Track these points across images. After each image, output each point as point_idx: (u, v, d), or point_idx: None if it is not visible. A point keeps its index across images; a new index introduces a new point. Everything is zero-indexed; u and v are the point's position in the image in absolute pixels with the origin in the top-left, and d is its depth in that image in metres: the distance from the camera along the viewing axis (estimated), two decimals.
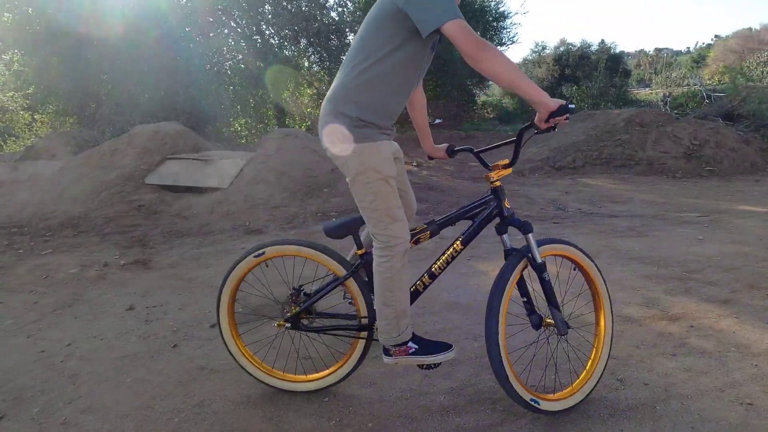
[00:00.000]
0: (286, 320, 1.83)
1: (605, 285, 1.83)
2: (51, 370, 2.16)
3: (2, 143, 13.38)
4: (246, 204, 4.84)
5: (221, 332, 1.89)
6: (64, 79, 10.44)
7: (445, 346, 1.67)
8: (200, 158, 5.69)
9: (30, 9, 10.49)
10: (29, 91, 12.84)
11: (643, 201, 5.45)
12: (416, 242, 1.76)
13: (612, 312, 1.85)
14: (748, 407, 1.70)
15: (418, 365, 1.67)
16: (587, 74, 14.11)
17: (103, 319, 2.69)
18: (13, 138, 14.16)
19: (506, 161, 1.74)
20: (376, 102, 1.49)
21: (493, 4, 13.97)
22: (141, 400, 1.90)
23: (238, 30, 12.19)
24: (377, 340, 1.74)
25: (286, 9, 11.76)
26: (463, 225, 1.79)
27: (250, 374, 1.89)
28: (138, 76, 9.99)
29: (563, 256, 1.77)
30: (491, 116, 18.41)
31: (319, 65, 13.14)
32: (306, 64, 13.06)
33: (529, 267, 1.69)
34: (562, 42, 22.51)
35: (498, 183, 1.73)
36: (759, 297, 2.58)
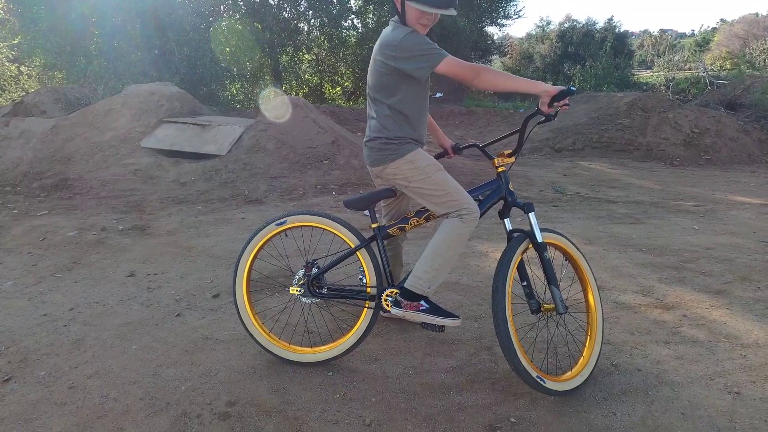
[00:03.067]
0: (299, 286, 1.86)
1: (593, 276, 1.92)
2: (55, 334, 2.17)
3: None
4: (245, 173, 4.79)
5: (236, 299, 1.91)
6: (53, 31, 9.99)
7: (452, 315, 1.74)
8: (198, 123, 5.57)
9: None
10: (15, 42, 12.30)
11: (640, 187, 5.49)
12: (426, 219, 1.81)
13: (600, 298, 1.92)
14: (735, 396, 1.78)
15: (422, 324, 1.74)
16: (592, 53, 13.87)
17: (104, 284, 2.69)
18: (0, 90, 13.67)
19: (510, 151, 1.79)
20: (407, 130, 1.75)
21: None
22: (147, 367, 1.93)
23: None
24: (384, 310, 1.79)
25: None
26: None
27: (259, 343, 1.93)
28: (130, 32, 9.60)
29: (555, 246, 1.81)
30: (492, 92, 18.16)
31: (320, 30, 12.73)
32: (306, 28, 12.64)
33: (530, 249, 1.75)
34: (567, 18, 22.03)
35: (503, 168, 1.77)
36: (750, 289, 2.66)
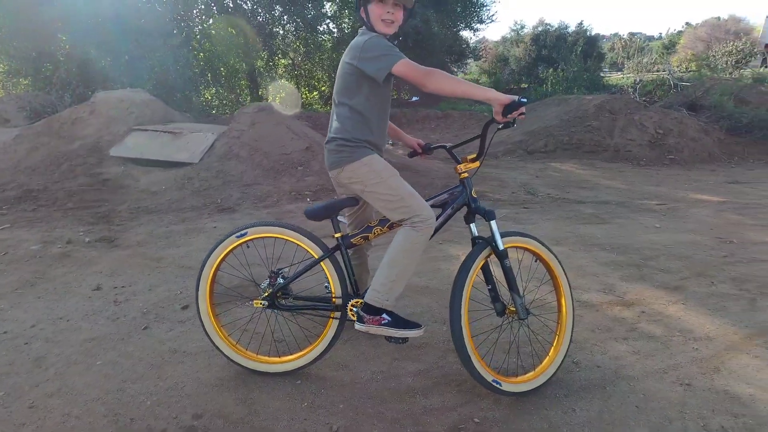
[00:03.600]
0: (264, 299, 1.86)
1: (566, 276, 1.94)
2: (15, 353, 2.12)
3: None
4: (218, 180, 4.74)
5: (199, 312, 1.90)
6: (17, 36, 9.67)
7: (415, 325, 1.76)
8: (169, 130, 5.49)
9: None
10: None
11: (608, 187, 5.67)
12: (390, 227, 1.83)
13: (573, 301, 1.96)
14: (686, 387, 1.87)
15: (386, 337, 1.76)
16: (563, 57, 14.24)
17: (68, 299, 2.63)
18: None
19: (473, 155, 1.82)
20: (366, 133, 1.77)
21: None
22: (112, 383, 1.90)
23: None
24: (350, 320, 1.81)
25: None
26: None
27: (225, 355, 1.93)
28: (99, 37, 9.36)
29: (525, 249, 1.86)
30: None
31: (295, 34, 12.69)
32: (281, 32, 12.58)
33: (494, 255, 1.78)
34: (541, 22, 22.52)
35: (466, 174, 1.81)
36: (705, 284, 2.79)
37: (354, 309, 1.81)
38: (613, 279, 2.87)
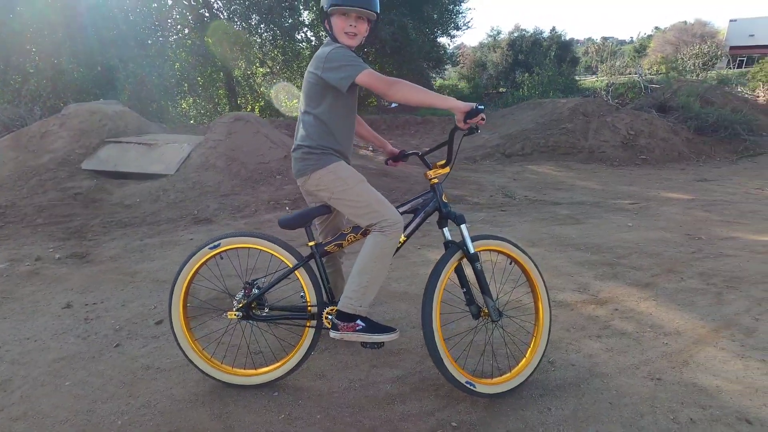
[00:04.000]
0: (238, 310, 1.84)
1: (541, 277, 1.95)
2: None
3: None
4: (194, 192, 4.68)
5: (172, 326, 1.87)
6: None
7: (389, 329, 1.77)
8: (143, 142, 5.39)
9: None
10: None
11: (583, 188, 5.80)
12: (363, 234, 1.83)
13: (549, 302, 1.96)
14: (657, 382, 1.92)
15: (362, 343, 1.75)
16: (538, 61, 14.56)
17: (36, 318, 2.55)
18: None
19: (443, 161, 1.85)
20: (331, 141, 1.80)
21: None
22: (81, 404, 1.84)
23: (184, 2, 11.45)
24: (326, 328, 1.80)
25: None
26: (406, 219, 1.86)
27: (200, 369, 1.90)
28: (70, 48, 9.17)
29: (498, 252, 1.88)
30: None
31: (272, 43, 12.67)
32: (258, 41, 12.53)
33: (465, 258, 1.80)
34: (516, 27, 23.03)
35: (436, 180, 1.82)
36: (674, 280, 2.87)
37: (330, 316, 1.80)
38: (587, 278, 2.93)
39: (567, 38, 21.38)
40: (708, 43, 22.92)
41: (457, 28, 14.67)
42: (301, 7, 12.49)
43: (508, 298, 2.40)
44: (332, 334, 1.77)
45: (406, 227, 1.84)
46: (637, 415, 1.74)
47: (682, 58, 20.60)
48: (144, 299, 2.74)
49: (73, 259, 3.37)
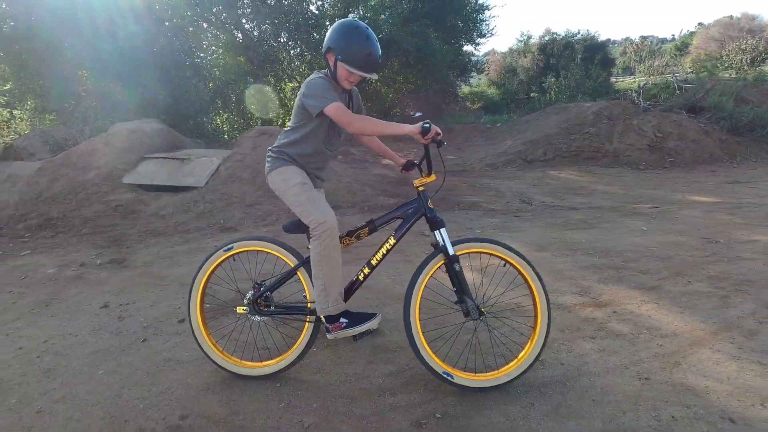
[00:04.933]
0: (246, 306, 2.06)
1: (539, 279, 1.94)
2: (28, 365, 2.34)
3: None
4: (221, 202, 5.00)
5: (190, 321, 2.10)
6: (42, 76, 10.37)
7: (371, 316, 1.93)
8: (177, 157, 5.81)
9: (4, 5, 10.35)
10: (6, 88, 12.71)
11: (604, 193, 5.72)
12: (357, 238, 2.00)
13: (548, 304, 1.93)
14: (644, 381, 1.96)
15: (352, 337, 1.92)
16: (564, 66, 14.34)
17: (78, 316, 2.87)
18: None
19: (426, 171, 1.97)
20: (288, 151, 2.03)
21: None
22: (111, 390, 2.09)
23: (218, 23, 12.15)
24: (324, 323, 1.97)
25: (265, 3, 11.76)
26: (397, 223, 2.01)
27: (213, 361, 2.11)
28: (116, 72, 9.96)
29: (482, 253, 1.97)
30: (476, 106, 18.64)
31: (300, 59, 13.17)
32: (287, 57, 13.07)
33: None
34: (547, 31, 22.66)
35: (422, 188, 1.96)
36: (681, 284, 2.84)
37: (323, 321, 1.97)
38: (590, 282, 2.95)
39: (601, 39, 20.85)
40: (756, 37, 21.67)
41: (482, 35, 14.70)
42: (327, 23, 12.96)
43: (504, 299, 2.48)
44: (328, 336, 1.95)
45: (395, 230, 1.99)
46: (619, 412, 1.79)
47: (727, 55, 19.58)
48: (170, 300, 3.01)
49: (112, 265, 3.72)
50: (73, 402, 2.02)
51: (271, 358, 2.14)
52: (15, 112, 14.07)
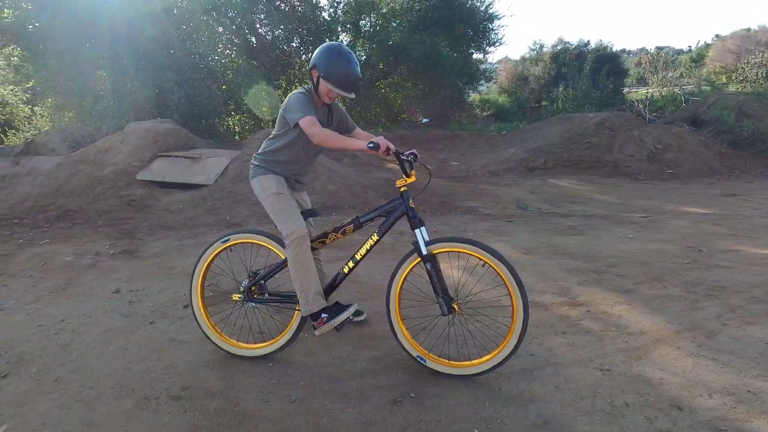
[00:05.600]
0: (241, 293, 2.27)
1: (515, 279, 1.99)
2: (47, 341, 2.58)
3: (3, 136, 13.72)
4: (229, 200, 5.25)
5: (192, 305, 2.31)
6: (63, 74, 10.80)
7: (347, 306, 2.14)
8: (189, 156, 6.09)
9: (30, 5, 10.81)
10: (29, 85, 13.21)
11: (600, 202, 5.85)
12: (343, 234, 2.20)
13: (524, 302, 1.97)
14: (605, 372, 2.12)
15: (335, 328, 2.12)
16: (571, 75, 14.46)
17: (92, 300, 3.11)
18: (13, 131, 14.52)
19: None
20: (270, 158, 2.25)
21: (482, 7, 14.26)
22: (121, 363, 2.32)
23: (233, 28, 12.52)
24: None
25: (279, 9, 12.10)
26: (380, 220, 2.20)
27: (212, 341, 2.32)
28: (134, 73, 10.34)
29: (458, 252, 2.12)
30: (486, 114, 18.81)
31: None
32: (299, 62, 13.40)
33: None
34: (560, 41, 22.76)
35: (404, 188, 2.13)
36: (656, 288, 3.00)
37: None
38: (570, 283, 3.12)
39: (615, 49, 20.86)
40: None
41: (491, 44, 14.90)
42: (339, 29, 13.28)
43: (489, 296, 2.66)
44: (316, 333, 2.15)
45: (379, 227, 2.18)
46: (578, 398, 1.96)
47: (742, 68, 19.50)
48: (177, 288, 3.24)
49: (124, 255, 3.97)
50: (86, 373, 2.25)
51: (265, 341, 2.34)
52: (36, 108, 14.62)
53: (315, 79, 2.15)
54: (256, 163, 2.28)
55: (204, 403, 1.99)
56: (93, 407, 1.99)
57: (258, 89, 12.36)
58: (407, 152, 2.15)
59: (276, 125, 2.25)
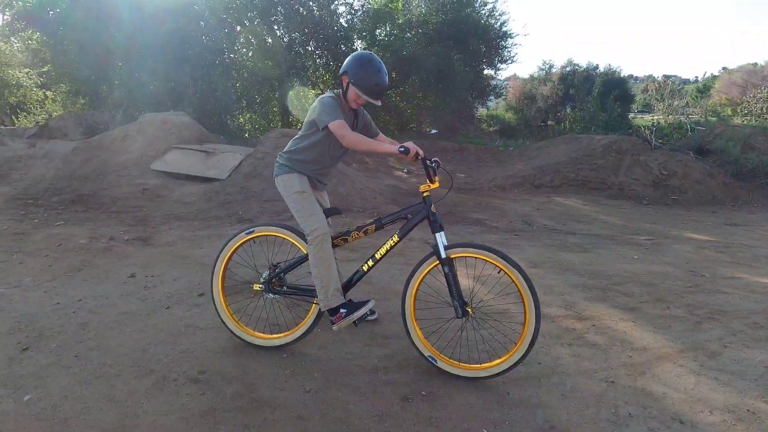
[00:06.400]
0: (262, 284, 2.34)
1: (529, 287, 2.03)
2: (65, 318, 2.64)
3: (15, 117, 13.81)
4: (241, 195, 5.33)
5: (212, 291, 2.38)
6: (80, 62, 10.93)
7: (366, 302, 2.21)
8: (203, 150, 6.18)
9: None
10: (44, 70, 13.34)
11: (604, 222, 5.95)
12: (365, 233, 2.28)
13: (537, 313, 2.03)
14: (610, 384, 2.19)
15: (353, 323, 2.19)
16: (580, 98, 14.65)
17: (108, 282, 3.17)
18: (24, 113, 14.62)
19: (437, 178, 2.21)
20: (295, 157, 2.34)
21: (497, 24, 14.50)
22: (139, 344, 2.38)
23: (251, 28, 12.70)
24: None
25: (298, 12, 12.29)
26: (401, 222, 2.28)
27: (229, 329, 2.39)
28: (150, 65, 10.48)
29: (475, 258, 2.20)
30: (493, 129, 18.99)
31: (325, 68, 13.66)
32: (313, 66, 13.57)
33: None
34: (569, 62, 23.02)
35: (427, 193, 2.21)
36: (660, 308, 3.07)
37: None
38: (576, 298, 3.19)
39: (622, 74, 21.12)
40: None
41: (503, 61, 15.11)
42: (354, 36, 13.47)
43: (501, 302, 2.73)
44: (333, 327, 2.23)
45: (400, 230, 2.26)
46: (583, 406, 2.03)
47: (747, 101, 19.77)
48: (191, 277, 3.30)
49: (138, 241, 4.04)
50: (105, 351, 2.31)
51: (281, 332, 2.41)
52: (48, 93, 14.74)
53: (345, 85, 2.25)
54: (281, 161, 2.36)
55: (221, 387, 2.06)
56: (113, 384, 2.05)
57: (272, 90, 12.52)
58: (432, 159, 2.23)
59: (303, 126, 2.34)
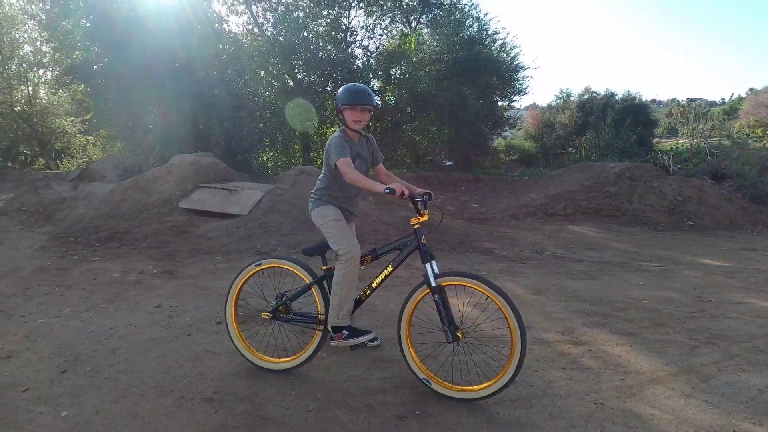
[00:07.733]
0: (269, 312, 2.57)
1: (515, 314, 2.15)
2: (98, 345, 2.93)
3: (59, 162, 15.00)
4: (260, 230, 5.66)
5: (225, 320, 2.63)
6: (119, 109, 11.91)
7: (366, 332, 2.39)
8: (226, 188, 6.62)
9: (97, 48, 12.11)
10: (87, 117, 14.54)
11: (616, 249, 5.96)
12: (362, 263, 2.49)
13: (521, 336, 2.12)
14: (599, 405, 2.28)
15: (350, 346, 2.39)
16: (595, 125, 14.75)
17: (137, 312, 3.48)
18: (69, 157, 15.86)
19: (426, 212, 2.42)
20: (324, 192, 2.61)
21: (508, 59, 14.97)
22: (161, 367, 2.63)
23: (274, 72, 13.58)
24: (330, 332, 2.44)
25: (317, 56, 13.10)
26: (395, 253, 2.49)
27: (241, 354, 2.61)
28: (181, 110, 11.31)
29: (464, 286, 2.35)
30: (511, 158, 19.18)
31: None
32: (331, 105, 14.27)
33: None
34: (587, 90, 23.22)
35: (418, 226, 2.41)
36: (659, 333, 3.12)
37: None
38: (575, 324, 3.27)
39: (644, 99, 21.05)
40: None
41: (516, 93, 15.48)
42: (371, 76, 14.16)
43: (491, 328, 2.86)
44: (332, 343, 2.44)
45: (393, 260, 2.47)
46: (570, 426, 2.12)
47: None
48: (211, 306, 3.58)
49: (165, 275, 4.37)
50: (132, 374, 2.57)
51: (288, 357, 2.62)
52: (89, 138, 15.96)
53: (340, 115, 2.53)
54: (315, 197, 2.62)
55: (232, 406, 2.26)
56: (138, 402, 2.29)
57: (292, 129, 13.19)
58: (423, 192, 2.43)
59: (323, 165, 2.63)
